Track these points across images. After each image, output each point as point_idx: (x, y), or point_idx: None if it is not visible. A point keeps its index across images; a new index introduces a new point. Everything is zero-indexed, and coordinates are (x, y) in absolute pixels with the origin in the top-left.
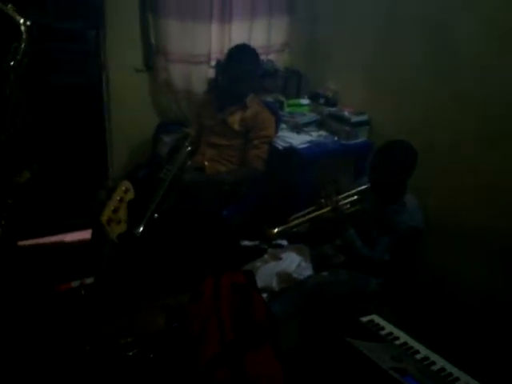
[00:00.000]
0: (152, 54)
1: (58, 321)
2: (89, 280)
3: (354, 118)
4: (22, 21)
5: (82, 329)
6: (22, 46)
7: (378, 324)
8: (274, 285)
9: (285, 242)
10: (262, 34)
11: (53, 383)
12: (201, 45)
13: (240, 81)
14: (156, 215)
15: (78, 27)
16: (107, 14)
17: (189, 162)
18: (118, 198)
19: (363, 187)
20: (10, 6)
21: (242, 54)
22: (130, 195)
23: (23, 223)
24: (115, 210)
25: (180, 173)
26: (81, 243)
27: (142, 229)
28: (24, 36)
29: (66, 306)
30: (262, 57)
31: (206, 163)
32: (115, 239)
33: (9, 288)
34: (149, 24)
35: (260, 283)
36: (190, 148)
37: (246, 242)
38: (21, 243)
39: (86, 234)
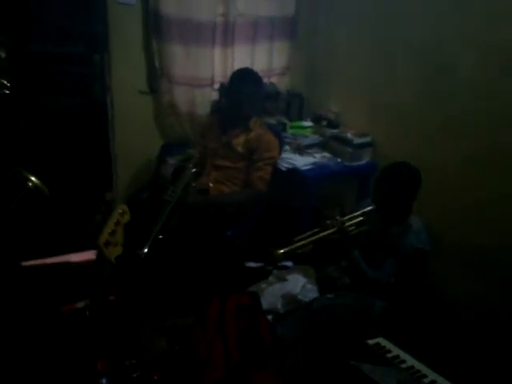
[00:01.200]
0: (156, 77)
1: (62, 341)
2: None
3: (357, 140)
4: None
5: (87, 350)
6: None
7: (384, 347)
8: (279, 307)
9: (290, 263)
10: (264, 58)
11: None
12: (204, 68)
13: (243, 104)
14: (160, 236)
15: (83, 51)
16: (112, 39)
17: (193, 184)
18: (115, 221)
19: (368, 209)
20: None
21: (245, 78)
22: (127, 218)
23: (28, 243)
24: (112, 233)
25: (184, 194)
26: (87, 263)
27: (146, 250)
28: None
29: (70, 326)
30: (264, 80)
31: (211, 185)
32: (113, 261)
33: (13, 309)
34: (153, 48)
35: (265, 305)
36: (194, 170)
37: (251, 264)
38: (25, 263)
39: (91, 255)
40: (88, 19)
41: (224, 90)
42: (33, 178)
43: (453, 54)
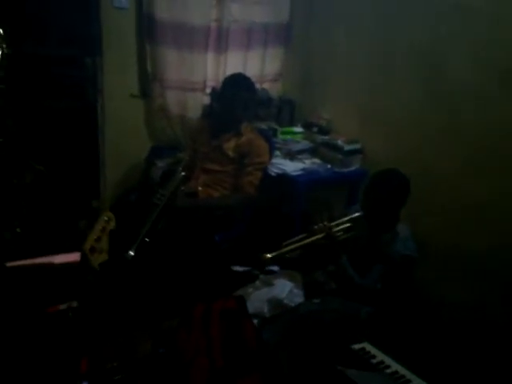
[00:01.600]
0: (148, 81)
1: (45, 342)
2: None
3: (347, 147)
4: None
5: (69, 351)
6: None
7: (369, 352)
8: (265, 311)
9: (277, 268)
10: (257, 64)
11: None
12: (197, 73)
13: (236, 109)
14: (147, 239)
15: (76, 54)
16: (105, 42)
17: (182, 188)
18: (101, 228)
19: (356, 215)
20: None
21: (238, 83)
22: (112, 225)
23: (12, 244)
24: (98, 239)
25: (173, 198)
26: (70, 265)
27: (133, 252)
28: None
29: (53, 328)
30: (256, 85)
31: (200, 188)
32: (97, 267)
33: None
34: (146, 51)
35: (251, 309)
36: (183, 173)
37: (238, 268)
38: (9, 264)
39: (75, 257)
40: (82, 22)
41: (216, 94)
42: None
43: (447, 60)
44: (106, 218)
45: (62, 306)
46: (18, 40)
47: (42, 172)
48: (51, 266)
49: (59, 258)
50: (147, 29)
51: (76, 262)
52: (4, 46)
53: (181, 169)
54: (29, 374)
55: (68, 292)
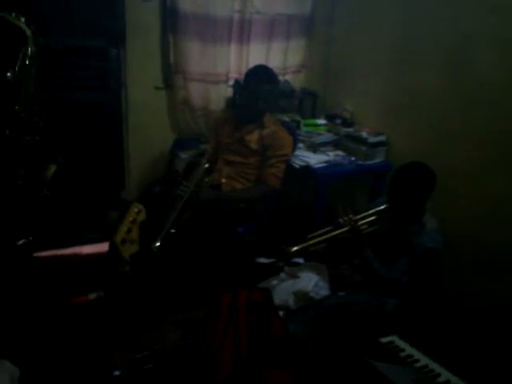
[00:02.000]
0: (171, 73)
1: (73, 333)
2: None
3: (372, 139)
4: (25, 27)
5: (102, 341)
6: (29, 51)
7: (397, 345)
8: (291, 303)
9: (301, 260)
10: (280, 56)
11: None
12: (219, 65)
13: (258, 100)
14: (173, 231)
15: (101, 46)
16: (129, 34)
17: (206, 179)
18: (131, 219)
19: (381, 208)
20: (13, 15)
21: (260, 75)
22: (142, 216)
23: (40, 234)
24: (128, 231)
25: (197, 189)
26: (98, 256)
27: (159, 243)
28: (30, 41)
29: (81, 318)
30: (279, 77)
31: (223, 180)
32: (128, 259)
33: (24, 298)
34: (169, 44)
35: (277, 301)
36: (207, 165)
37: (262, 260)
38: (37, 254)
39: (103, 247)
40: (107, 14)
41: (238, 86)
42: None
43: (478, 49)
44: (136, 210)
45: (91, 296)
46: (44, 33)
47: (64, 164)
48: (79, 256)
49: (87, 249)
50: (170, 21)
51: (104, 252)
52: (32, 45)
53: (204, 161)
54: (63, 364)
55: (96, 282)
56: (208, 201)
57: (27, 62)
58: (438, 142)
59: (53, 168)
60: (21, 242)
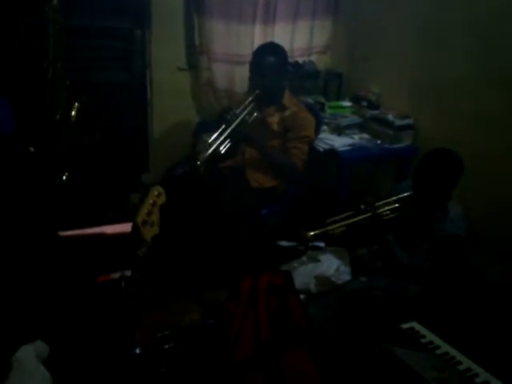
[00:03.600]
0: (196, 54)
1: (97, 311)
2: (128, 272)
3: (398, 122)
4: None
5: (124, 320)
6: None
7: (418, 332)
8: (312, 287)
9: (322, 244)
10: (305, 36)
11: (91, 373)
12: (244, 45)
13: (264, 76)
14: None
15: (125, 26)
16: (153, 14)
17: (255, 114)
18: (151, 202)
19: (405, 194)
20: None
21: (265, 50)
22: (162, 199)
23: (65, 214)
24: (149, 213)
25: (244, 122)
26: (121, 236)
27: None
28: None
29: (105, 297)
30: (304, 58)
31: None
32: (150, 241)
33: (50, 277)
34: (193, 24)
35: (297, 285)
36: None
37: (284, 243)
38: (62, 233)
39: (126, 227)
40: None
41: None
42: None
43: (507, 30)
44: (156, 192)
45: (114, 275)
46: (68, 13)
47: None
48: (103, 235)
49: (110, 229)
50: (195, 0)
51: (127, 232)
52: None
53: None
54: (85, 341)
55: (119, 262)
56: (248, 137)
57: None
58: (465, 127)
59: (76, 106)
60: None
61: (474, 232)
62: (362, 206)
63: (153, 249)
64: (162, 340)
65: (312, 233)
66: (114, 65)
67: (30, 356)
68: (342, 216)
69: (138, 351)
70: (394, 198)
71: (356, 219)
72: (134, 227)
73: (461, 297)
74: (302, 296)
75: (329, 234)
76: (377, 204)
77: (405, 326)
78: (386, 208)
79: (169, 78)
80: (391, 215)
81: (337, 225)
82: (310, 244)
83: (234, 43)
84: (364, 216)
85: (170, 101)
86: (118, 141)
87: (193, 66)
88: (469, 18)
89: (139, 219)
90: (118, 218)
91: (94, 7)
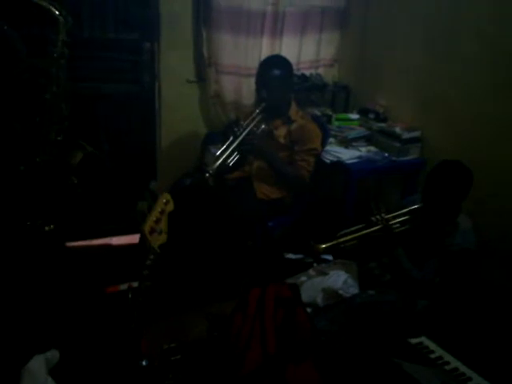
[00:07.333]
0: (204, 66)
1: (106, 322)
2: (136, 284)
3: (406, 135)
4: (57, 13)
5: (130, 331)
6: (61, 37)
7: (427, 347)
8: (319, 300)
9: (330, 257)
10: (312, 49)
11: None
12: (252, 58)
13: (269, 88)
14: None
15: (133, 39)
16: (162, 27)
17: (262, 126)
18: (160, 210)
19: (415, 207)
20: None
21: (270, 62)
22: (170, 207)
23: (71, 225)
24: (157, 221)
25: (253, 134)
26: (127, 247)
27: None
28: (61, 27)
29: (113, 308)
30: (311, 70)
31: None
32: (157, 249)
33: (57, 288)
34: (202, 37)
35: (304, 298)
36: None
37: (290, 255)
38: (69, 244)
39: (132, 239)
40: (140, 7)
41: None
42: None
43: None
44: (164, 200)
45: (123, 287)
46: (77, 25)
47: (93, 153)
48: (108, 246)
49: (116, 240)
50: (204, 13)
51: (132, 243)
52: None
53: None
54: (92, 352)
55: (127, 273)
56: (258, 149)
57: (59, 49)
58: (474, 139)
59: (79, 156)
60: (47, 228)
61: (484, 245)
62: (373, 218)
63: (160, 258)
64: (168, 352)
65: (324, 245)
66: (123, 76)
67: (41, 367)
68: (353, 229)
69: (144, 363)
70: (404, 210)
71: (367, 231)
72: (142, 235)
73: (471, 311)
74: (308, 309)
75: (340, 247)
76: (387, 216)
77: (413, 340)
78: (397, 220)
79: (177, 90)
80: (402, 228)
81: (348, 237)
82: (319, 257)
83: (242, 56)
84: (375, 228)
85: (178, 112)
86: (127, 152)
87: (201, 78)
88: (478, 30)
89: (147, 227)
90: (125, 229)
91: (104, 20)
